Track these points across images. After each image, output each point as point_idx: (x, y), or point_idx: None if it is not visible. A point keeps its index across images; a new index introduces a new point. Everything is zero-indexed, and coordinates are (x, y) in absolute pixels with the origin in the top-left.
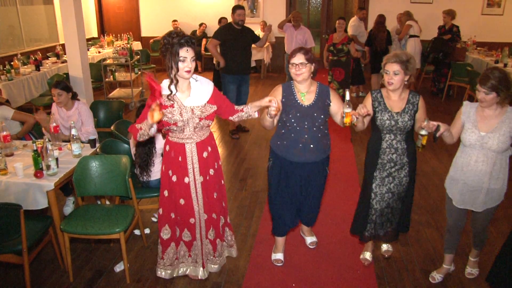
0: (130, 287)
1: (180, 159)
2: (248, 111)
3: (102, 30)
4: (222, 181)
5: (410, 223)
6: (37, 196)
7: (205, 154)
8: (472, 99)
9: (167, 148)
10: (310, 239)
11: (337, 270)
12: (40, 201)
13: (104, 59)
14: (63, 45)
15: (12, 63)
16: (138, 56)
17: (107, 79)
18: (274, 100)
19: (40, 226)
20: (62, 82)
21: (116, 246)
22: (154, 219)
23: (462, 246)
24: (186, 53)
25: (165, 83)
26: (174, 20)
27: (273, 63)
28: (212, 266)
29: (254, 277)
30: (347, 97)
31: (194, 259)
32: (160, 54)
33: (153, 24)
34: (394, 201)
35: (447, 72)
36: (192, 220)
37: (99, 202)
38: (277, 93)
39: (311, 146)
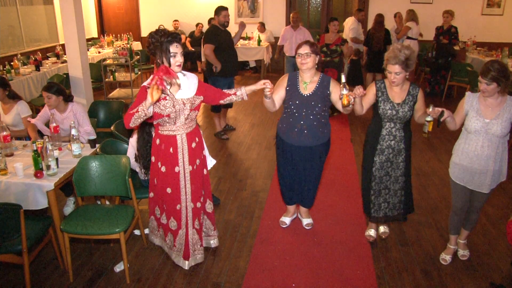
0: (130, 287)
1: (171, 150)
2: (242, 93)
3: (102, 30)
4: (205, 171)
5: (410, 223)
6: (37, 196)
7: (193, 145)
8: None
9: (157, 141)
10: (306, 221)
11: (337, 270)
12: (40, 201)
13: (104, 59)
14: (63, 45)
15: (12, 63)
16: (138, 56)
17: (107, 79)
18: (267, 82)
19: (40, 226)
20: (54, 85)
21: (116, 246)
22: None
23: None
24: (176, 49)
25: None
26: (175, 20)
27: (273, 63)
28: (198, 257)
29: (254, 277)
30: (343, 79)
31: (179, 249)
32: (148, 53)
33: (153, 24)
34: (391, 183)
35: (445, 74)
36: (178, 206)
37: (99, 202)
38: (283, 81)
39: (305, 131)
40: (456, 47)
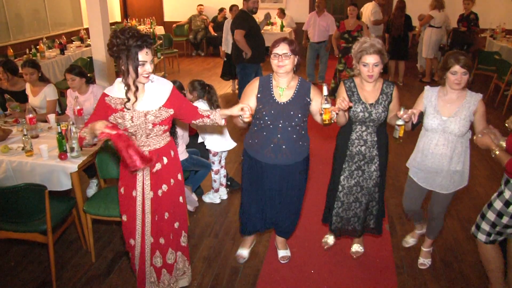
0: None
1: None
2: (215, 118)
3: (125, 14)
4: (181, 198)
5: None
6: (61, 177)
7: (158, 166)
8: (499, 88)
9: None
10: (282, 253)
11: (356, 258)
12: (64, 182)
13: None
14: (87, 29)
15: (38, 47)
16: (161, 41)
17: None
18: (246, 108)
19: (64, 207)
20: (76, 67)
21: None
22: None
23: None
24: (146, 56)
25: (118, 84)
26: (200, 5)
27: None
28: None
29: (273, 263)
30: (325, 92)
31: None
32: (110, 55)
33: (176, 8)
34: (362, 196)
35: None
36: (132, 242)
37: None
38: (253, 87)
39: (283, 147)
40: (482, 34)
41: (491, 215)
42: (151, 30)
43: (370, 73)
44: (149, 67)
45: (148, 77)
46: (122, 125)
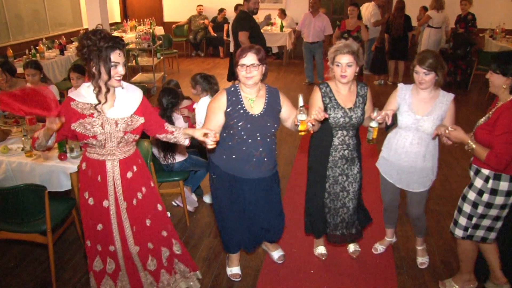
0: None
1: (99, 179)
2: (178, 137)
3: (125, 15)
4: (159, 206)
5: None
6: (61, 178)
7: (129, 175)
8: None
9: (84, 166)
10: (277, 254)
11: (355, 258)
12: (63, 183)
13: (127, 44)
14: (86, 30)
15: (37, 47)
16: (161, 41)
17: (129, 64)
18: (210, 134)
19: (64, 207)
20: (80, 66)
21: None
22: (174, 204)
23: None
24: (118, 58)
25: (84, 89)
26: (199, 5)
27: (295, 50)
28: None
29: (273, 263)
30: (301, 102)
31: None
32: (80, 58)
33: (176, 9)
34: (350, 200)
35: (461, 64)
36: (111, 248)
37: None
38: (220, 102)
39: (265, 159)
40: (481, 34)
41: (467, 207)
42: (151, 30)
43: (343, 73)
44: (121, 69)
45: (120, 80)
46: (91, 132)
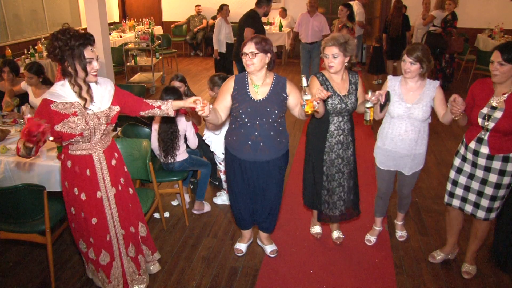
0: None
1: (88, 173)
2: (167, 109)
3: (124, 14)
4: (130, 190)
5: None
6: (60, 178)
7: (113, 162)
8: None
9: (69, 164)
10: (269, 248)
11: (355, 258)
12: None
13: (126, 44)
14: (85, 29)
15: (36, 47)
16: (160, 41)
17: (128, 64)
18: (198, 100)
19: (63, 207)
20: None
21: None
22: (173, 203)
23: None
24: (91, 53)
25: (59, 88)
26: (197, 5)
27: (294, 49)
28: (139, 286)
29: (272, 261)
30: (305, 83)
31: (116, 284)
32: (52, 59)
33: (175, 9)
34: (344, 180)
35: (439, 67)
36: (108, 237)
37: None
38: (228, 85)
39: (261, 144)
40: (480, 34)
41: (452, 173)
42: (150, 30)
43: (329, 64)
44: (96, 64)
45: (96, 75)
46: (77, 130)
